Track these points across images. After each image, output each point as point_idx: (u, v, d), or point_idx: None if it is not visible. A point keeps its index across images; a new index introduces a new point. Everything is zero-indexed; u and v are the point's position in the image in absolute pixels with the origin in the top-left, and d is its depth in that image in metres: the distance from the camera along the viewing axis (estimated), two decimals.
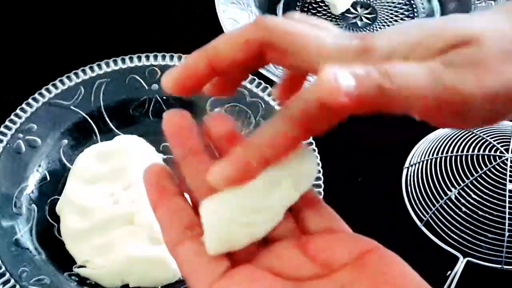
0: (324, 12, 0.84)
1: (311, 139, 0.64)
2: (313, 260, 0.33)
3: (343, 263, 0.32)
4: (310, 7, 0.85)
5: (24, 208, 0.64)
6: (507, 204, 0.62)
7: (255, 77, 0.70)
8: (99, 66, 0.72)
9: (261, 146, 0.33)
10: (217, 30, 0.73)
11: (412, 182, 0.66)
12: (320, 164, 0.63)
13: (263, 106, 0.68)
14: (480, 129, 0.67)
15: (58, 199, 0.65)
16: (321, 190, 0.61)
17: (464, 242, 0.62)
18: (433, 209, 0.64)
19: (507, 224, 0.62)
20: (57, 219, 0.64)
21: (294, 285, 0.32)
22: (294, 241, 0.34)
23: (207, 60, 0.35)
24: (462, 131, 0.67)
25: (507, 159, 0.64)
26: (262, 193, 0.34)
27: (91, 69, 0.71)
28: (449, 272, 0.60)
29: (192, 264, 0.33)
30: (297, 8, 0.84)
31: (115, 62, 0.72)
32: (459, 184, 0.64)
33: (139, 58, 0.72)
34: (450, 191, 0.64)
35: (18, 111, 0.68)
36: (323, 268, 0.33)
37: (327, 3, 0.84)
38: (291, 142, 0.33)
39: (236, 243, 0.34)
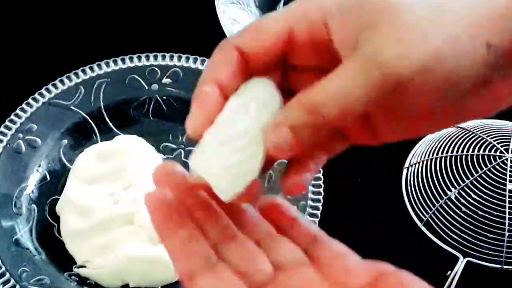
0: None
1: None
2: (330, 283, 0.33)
3: (361, 286, 0.32)
4: None
5: (24, 208, 0.64)
6: (507, 204, 0.62)
7: None
8: (99, 66, 0.71)
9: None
10: (217, 30, 0.73)
11: (412, 182, 0.66)
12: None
13: None
14: (480, 129, 0.67)
15: (58, 199, 0.65)
16: (321, 190, 0.61)
17: (464, 242, 0.62)
18: (433, 209, 0.64)
19: (507, 224, 0.62)
20: (57, 219, 0.64)
21: None
22: (309, 265, 0.34)
23: None
24: (462, 131, 0.67)
25: (507, 159, 0.64)
26: (235, 122, 0.34)
27: (91, 69, 0.71)
28: (449, 272, 0.60)
29: None
30: None
31: (115, 62, 0.72)
32: (459, 184, 0.64)
33: (139, 58, 0.72)
34: (450, 191, 0.64)
35: (18, 111, 0.68)
36: None
37: None
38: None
39: (242, 178, 0.34)
